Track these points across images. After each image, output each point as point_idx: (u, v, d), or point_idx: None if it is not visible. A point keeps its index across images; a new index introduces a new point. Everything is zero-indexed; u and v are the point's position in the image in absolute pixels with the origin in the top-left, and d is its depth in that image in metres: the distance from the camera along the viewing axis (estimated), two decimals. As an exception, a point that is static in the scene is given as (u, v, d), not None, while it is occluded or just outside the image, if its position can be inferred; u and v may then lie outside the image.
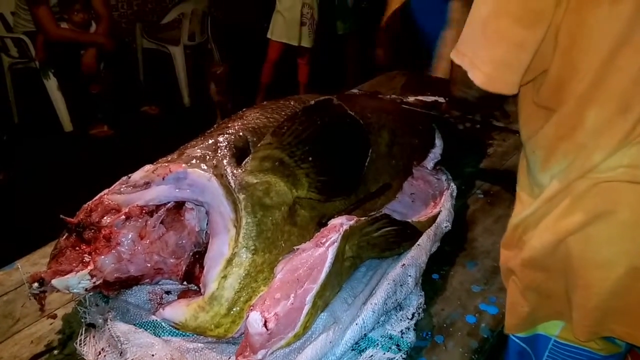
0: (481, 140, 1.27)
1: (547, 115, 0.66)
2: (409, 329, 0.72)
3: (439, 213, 0.93)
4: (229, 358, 0.71)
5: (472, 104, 0.71)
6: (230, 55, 3.83)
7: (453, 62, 0.69)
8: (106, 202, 0.81)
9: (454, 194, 1.00)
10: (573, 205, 0.63)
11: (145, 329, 0.76)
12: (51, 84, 2.83)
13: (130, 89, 3.27)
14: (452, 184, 1.03)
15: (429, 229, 0.86)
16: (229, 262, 0.73)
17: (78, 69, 2.73)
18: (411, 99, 1.35)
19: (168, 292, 0.85)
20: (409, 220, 0.88)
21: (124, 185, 0.82)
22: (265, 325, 0.66)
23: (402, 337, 0.71)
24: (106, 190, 0.83)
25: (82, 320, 0.78)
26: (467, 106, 0.87)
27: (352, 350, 0.70)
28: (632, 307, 0.62)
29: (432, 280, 0.84)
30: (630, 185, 0.59)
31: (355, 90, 1.58)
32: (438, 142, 1.13)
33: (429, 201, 1.00)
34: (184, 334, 0.76)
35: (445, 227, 0.90)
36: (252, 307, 0.69)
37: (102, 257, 0.77)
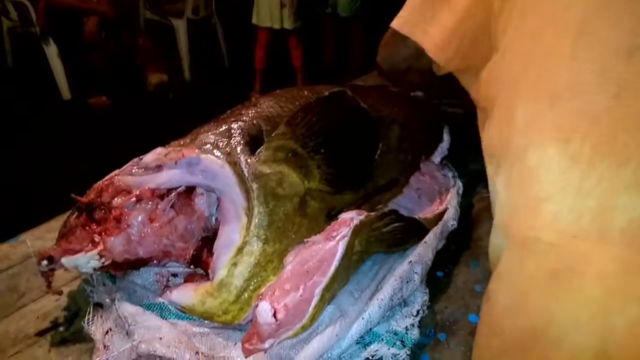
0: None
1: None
2: (413, 325, 0.73)
3: (445, 210, 0.94)
4: (235, 344, 0.73)
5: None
6: (234, 31, 3.78)
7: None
8: (117, 183, 0.80)
9: (460, 191, 1.01)
10: (530, 261, 0.53)
11: (152, 311, 0.77)
12: (51, 50, 2.80)
13: (131, 60, 3.24)
14: (459, 180, 1.04)
15: (435, 227, 0.87)
16: (240, 250, 0.73)
17: (79, 37, 2.70)
18: (419, 93, 1.34)
19: (175, 275, 0.86)
20: (416, 217, 0.89)
21: (135, 167, 0.82)
22: (274, 315, 0.67)
23: (406, 334, 0.72)
24: (117, 171, 0.83)
25: (90, 299, 0.79)
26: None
27: (357, 343, 0.72)
28: None
29: (437, 278, 0.86)
30: (599, 248, 0.48)
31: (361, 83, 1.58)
32: (446, 137, 1.14)
33: (435, 197, 1.01)
34: (190, 317, 0.77)
35: (452, 225, 0.91)
36: (261, 297, 0.69)
37: (112, 238, 0.77)
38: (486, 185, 1.12)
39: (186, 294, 0.76)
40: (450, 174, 1.07)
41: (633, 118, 0.48)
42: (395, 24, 0.72)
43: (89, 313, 0.76)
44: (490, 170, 0.63)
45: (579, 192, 0.49)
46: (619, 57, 0.48)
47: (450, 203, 0.95)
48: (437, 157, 1.11)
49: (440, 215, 0.92)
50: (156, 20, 3.42)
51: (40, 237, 0.94)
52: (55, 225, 0.98)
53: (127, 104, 3.09)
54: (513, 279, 0.55)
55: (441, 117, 1.19)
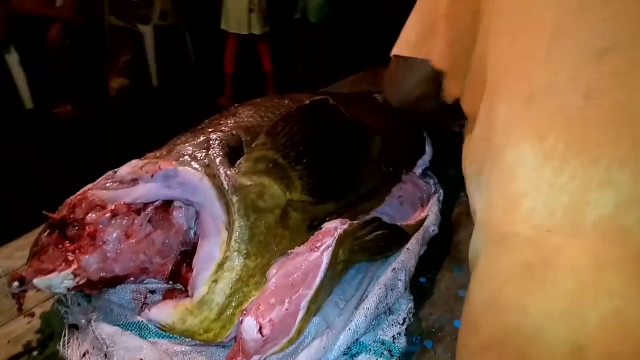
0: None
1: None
2: (400, 334, 0.73)
3: (426, 217, 0.94)
4: (219, 362, 0.71)
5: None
6: (203, 36, 3.74)
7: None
8: (91, 198, 0.77)
9: (441, 197, 1.02)
10: (506, 256, 0.53)
11: (131, 331, 0.74)
12: (12, 58, 2.70)
13: (97, 68, 3.16)
14: (440, 188, 1.04)
15: (417, 233, 0.88)
16: (220, 266, 0.72)
17: (42, 44, 2.61)
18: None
19: (153, 292, 0.83)
20: (398, 224, 0.89)
21: (109, 181, 0.79)
22: (260, 331, 0.65)
23: (394, 343, 0.72)
24: (90, 185, 0.80)
25: (64, 320, 0.75)
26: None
27: (344, 355, 0.71)
28: None
29: (420, 284, 0.86)
30: (572, 242, 0.49)
31: (339, 88, 1.58)
32: (428, 149, 1.15)
33: (417, 205, 1.01)
34: (171, 336, 0.75)
35: (433, 230, 0.91)
36: (245, 313, 0.68)
37: (87, 256, 0.74)
38: (464, 191, 1.14)
39: (166, 312, 0.73)
40: (432, 181, 1.07)
41: (604, 117, 0.49)
42: (399, 50, 0.72)
43: (65, 336, 0.72)
44: (470, 173, 0.64)
45: (552, 188, 0.50)
46: (590, 59, 0.50)
47: (432, 210, 0.95)
48: (418, 169, 1.12)
49: (422, 221, 0.93)
50: (122, 27, 3.34)
51: (10, 257, 0.90)
52: (24, 243, 0.94)
53: (93, 113, 3.00)
54: (489, 275, 0.56)
55: (423, 128, 1.20)
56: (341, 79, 1.82)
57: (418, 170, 1.12)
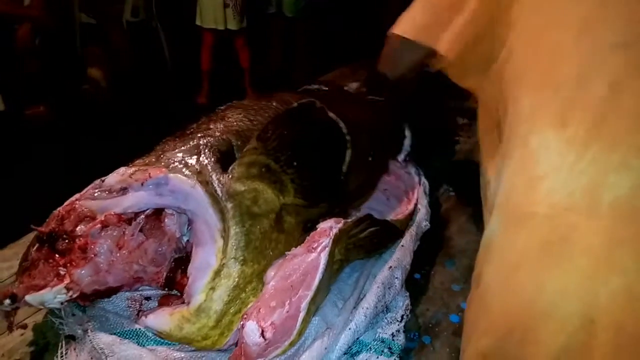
0: (450, 136, 1.31)
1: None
2: (399, 331, 0.74)
3: (414, 210, 0.95)
4: (220, 367, 0.71)
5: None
6: (178, 33, 3.66)
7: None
8: (79, 209, 0.76)
9: (427, 189, 1.03)
10: (524, 234, 0.56)
11: (129, 339, 0.73)
12: (-20, 60, 2.60)
13: (69, 68, 3.06)
14: (423, 178, 1.06)
15: (411, 229, 0.89)
16: (217, 273, 0.71)
17: (11, 44, 2.52)
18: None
19: (148, 298, 0.82)
20: (388, 219, 0.90)
21: (97, 190, 0.77)
22: (262, 335, 0.65)
23: (393, 340, 0.73)
24: (77, 195, 0.78)
25: (60, 331, 0.74)
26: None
27: (345, 354, 0.72)
28: None
29: (415, 280, 0.87)
30: (588, 221, 0.52)
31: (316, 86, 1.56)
32: (408, 134, 1.16)
33: (403, 197, 1.02)
34: (169, 342, 0.74)
35: (425, 225, 0.92)
36: (246, 317, 0.68)
37: (79, 269, 0.73)
38: (452, 184, 1.16)
39: (162, 319, 0.73)
40: (413, 171, 1.09)
41: (624, 106, 0.53)
42: (402, 31, 0.76)
43: (61, 347, 0.71)
44: (487, 159, 0.68)
45: (572, 170, 0.54)
46: (613, 52, 0.54)
47: (421, 203, 0.97)
48: (401, 155, 1.13)
49: (410, 214, 0.94)
50: (93, 24, 3.26)
51: (-5, 268, 0.88)
52: (9, 253, 0.92)
53: (67, 114, 2.92)
54: (505, 255, 0.58)
55: (401, 116, 1.21)
56: (318, 73, 1.81)
57: (401, 157, 1.13)
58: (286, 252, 0.75)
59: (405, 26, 0.78)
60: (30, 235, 0.86)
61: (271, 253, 0.75)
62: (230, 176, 0.75)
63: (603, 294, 0.51)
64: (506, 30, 0.64)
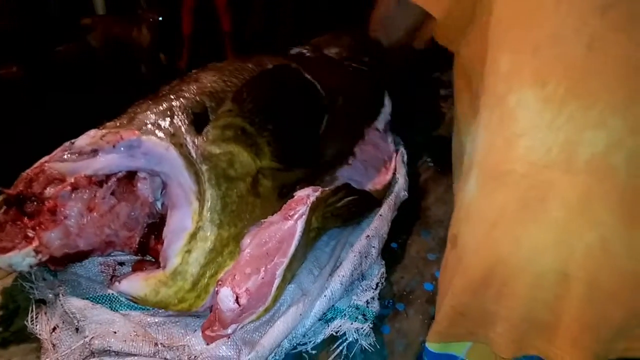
0: (431, 107, 1.30)
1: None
2: (373, 298, 0.74)
3: (392, 180, 0.95)
4: (195, 331, 0.70)
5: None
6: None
7: None
8: (48, 171, 0.73)
9: (405, 159, 1.02)
10: (502, 192, 0.56)
11: (101, 304, 0.73)
12: (-54, 16, 2.47)
13: (42, 27, 2.94)
14: (402, 148, 1.05)
15: (389, 199, 0.88)
16: (193, 236, 0.70)
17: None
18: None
19: (121, 264, 0.81)
20: (366, 189, 0.90)
21: (67, 152, 0.75)
22: (237, 301, 0.65)
23: (367, 307, 0.73)
24: (46, 158, 0.75)
25: (30, 296, 0.73)
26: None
27: (320, 320, 0.72)
28: (562, 322, 0.55)
29: (391, 249, 0.88)
30: (565, 177, 0.53)
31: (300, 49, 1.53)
32: (387, 101, 1.14)
33: (381, 166, 1.02)
34: (142, 307, 0.74)
35: (403, 195, 0.92)
36: (221, 283, 0.67)
37: (48, 232, 0.71)
38: (431, 154, 1.15)
39: (137, 284, 0.72)
40: (390, 139, 1.08)
41: (603, 67, 0.53)
42: None
43: (32, 311, 0.70)
44: (465, 120, 0.67)
45: (550, 127, 0.54)
46: (595, 13, 0.53)
47: (399, 172, 0.96)
48: (380, 123, 1.12)
49: (388, 184, 0.93)
50: (67, -18, 3.12)
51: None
52: (-24, 219, 0.88)
53: (41, 75, 2.82)
54: (483, 213, 0.59)
55: (381, 83, 1.19)
56: (302, 38, 1.77)
57: (380, 125, 1.12)
58: (262, 220, 0.74)
59: None
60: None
61: (248, 217, 0.74)
62: (204, 138, 0.73)
63: (578, 248, 0.52)
64: None
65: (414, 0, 0.69)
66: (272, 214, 0.75)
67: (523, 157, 0.55)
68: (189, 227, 0.70)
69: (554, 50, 0.55)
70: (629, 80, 0.52)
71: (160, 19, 2.95)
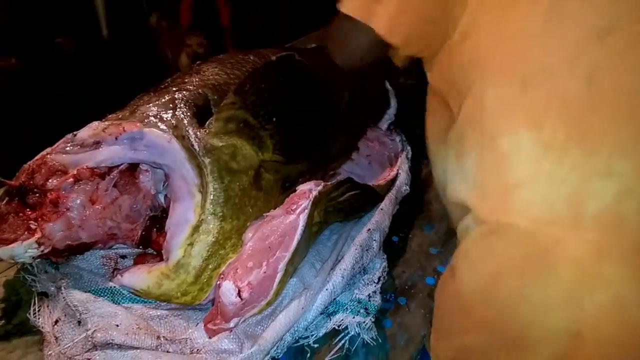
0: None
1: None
2: (375, 292, 0.75)
3: (396, 176, 0.95)
4: (197, 325, 0.70)
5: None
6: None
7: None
8: (50, 163, 0.73)
9: (409, 155, 1.02)
10: (503, 245, 0.52)
11: (103, 297, 0.73)
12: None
13: (40, 17, 2.92)
14: (407, 145, 1.05)
15: (390, 193, 0.88)
16: (196, 229, 0.70)
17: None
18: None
19: (123, 257, 0.81)
20: (369, 184, 0.90)
21: (69, 144, 0.74)
22: (239, 294, 0.65)
23: (369, 301, 0.73)
24: (48, 149, 0.75)
25: (32, 288, 0.73)
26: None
27: (321, 314, 0.72)
28: None
29: (392, 243, 0.88)
30: (572, 234, 0.48)
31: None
32: (393, 102, 1.14)
33: (386, 163, 1.02)
34: (145, 300, 0.74)
35: (405, 190, 0.92)
36: (223, 276, 0.67)
37: (51, 223, 0.71)
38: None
39: (139, 277, 0.72)
40: (398, 139, 1.08)
41: (606, 103, 0.47)
42: (344, 6, 0.63)
43: (34, 304, 0.70)
44: (448, 150, 0.61)
45: (552, 178, 0.49)
46: (592, 39, 0.47)
47: (402, 168, 0.96)
48: (384, 123, 1.12)
49: (392, 180, 0.93)
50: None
51: (-37, 225, 0.85)
52: (-23, 211, 0.88)
53: (39, 66, 2.81)
54: (484, 263, 0.55)
55: (386, 81, 1.19)
56: (302, 33, 1.76)
57: (384, 125, 1.12)
58: (264, 214, 0.74)
59: (348, 1, 0.64)
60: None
61: (250, 210, 0.74)
62: (207, 131, 0.73)
63: (589, 306, 0.48)
64: (461, 4, 0.56)
65: (373, 26, 0.61)
66: (275, 208, 0.75)
67: (524, 212, 0.50)
68: (191, 220, 0.70)
69: (547, 86, 0.49)
70: (636, 116, 0.47)
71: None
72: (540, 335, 0.50)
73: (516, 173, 0.51)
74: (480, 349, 0.55)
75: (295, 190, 0.76)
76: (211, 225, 0.70)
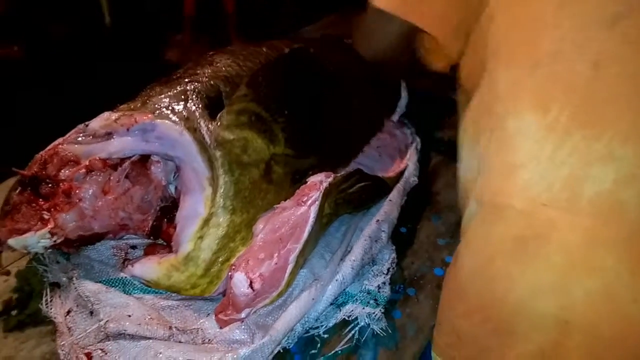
0: (442, 93, 1.29)
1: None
2: (384, 283, 0.75)
3: (406, 167, 0.95)
4: (207, 315, 0.71)
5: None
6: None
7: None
8: (62, 153, 0.73)
9: (419, 147, 1.02)
10: (499, 226, 0.53)
11: (114, 287, 0.73)
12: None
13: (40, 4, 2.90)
14: (416, 137, 1.05)
15: (398, 184, 0.89)
16: (206, 222, 0.70)
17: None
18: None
19: (134, 247, 0.82)
20: (379, 175, 0.90)
21: (81, 135, 0.75)
22: (251, 285, 0.66)
23: (379, 292, 0.74)
24: (60, 140, 0.75)
25: (44, 279, 0.73)
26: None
27: (332, 304, 0.73)
28: None
29: (401, 234, 0.88)
30: (566, 217, 0.49)
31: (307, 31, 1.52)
32: (404, 93, 1.14)
33: (396, 155, 1.02)
34: (156, 291, 0.74)
35: (413, 181, 0.92)
36: (234, 268, 0.68)
37: (63, 214, 0.71)
38: (440, 140, 1.15)
39: (150, 268, 0.72)
40: (408, 131, 1.08)
41: (611, 89, 0.48)
42: (381, 3, 0.63)
43: (46, 294, 0.71)
44: (465, 139, 0.63)
45: (552, 160, 0.49)
46: (601, 26, 0.48)
47: (411, 159, 0.96)
48: (396, 115, 1.11)
49: (402, 173, 0.94)
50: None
51: (-25, 215, 0.85)
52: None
53: (43, 53, 2.79)
54: (480, 244, 0.56)
55: (398, 74, 1.18)
56: (305, 21, 1.74)
57: (395, 116, 1.12)
58: (275, 205, 0.74)
59: None
60: (10, 181, 0.84)
61: (260, 203, 0.74)
62: (218, 123, 0.73)
63: (578, 294, 0.48)
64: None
65: (415, 22, 0.61)
66: (285, 200, 0.75)
67: (522, 192, 0.51)
68: (202, 213, 0.71)
69: (555, 70, 0.50)
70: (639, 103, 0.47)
71: None
72: (530, 321, 0.51)
73: (519, 153, 0.51)
74: (472, 334, 0.56)
75: (305, 182, 0.77)
76: (221, 219, 0.70)
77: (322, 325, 0.71)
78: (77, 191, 0.73)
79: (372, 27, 0.74)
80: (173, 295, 0.74)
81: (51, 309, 0.70)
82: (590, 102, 0.48)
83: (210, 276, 0.71)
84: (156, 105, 0.75)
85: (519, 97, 0.52)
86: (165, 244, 0.80)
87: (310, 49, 0.84)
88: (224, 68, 0.84)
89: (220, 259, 0.71)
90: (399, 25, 0.66)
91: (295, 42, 0.94)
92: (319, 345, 0.70)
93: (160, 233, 0.80)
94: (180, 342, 0.67)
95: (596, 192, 0.48)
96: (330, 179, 0.76)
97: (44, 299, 0.70)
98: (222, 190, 0.71)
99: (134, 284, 0.75)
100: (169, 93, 0.78)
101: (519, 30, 0.53)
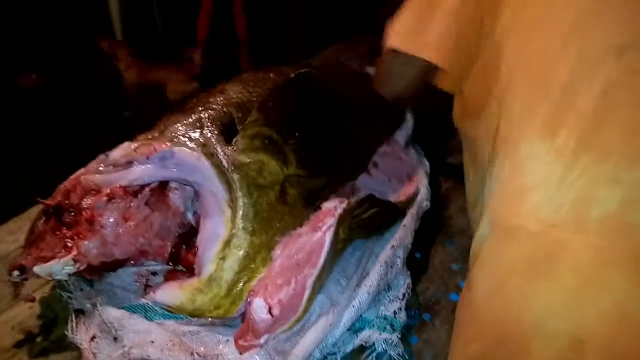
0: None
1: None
2: (400, 309, 0.76)
3: (417, 191, 0.96)
4: (227, 341, 0.72)
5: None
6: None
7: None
8: (84, 183, 0.76)
9: (428, 171, 1.04)
10: (512, 247, 0.55)
11: (137, 313, 0.75)
12: (-31, 25, 2.52)
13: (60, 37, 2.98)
14: (425, 160, 1.07)
15: (412, 208, 0.90)
16: (227, 243, 0.72)
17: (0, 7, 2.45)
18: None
19: (154, 273, 0.83)
20: (391, 200, 0.91)
21: (102, 165, 0.78)
22: (270, 311, 0.67)
23: (395, 317, 0.75)
24: (82, 170, 0.78)
25: (69, 305, 0.75)
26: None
27: (349, 330, 0.73)
28: None
29: (415, 259, 0.89)
30: (575, 237, 0.51)
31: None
32: (409, 116, 1.16)
33: (405, 178, 1.03)
34: (176, 316, 0.76)
35: (425, 205, 0.93)
36: (253, 293, 0.69)
37: (86, 241, 0.73)
38: (450, 166, 1.16)
39: (172, 293, 0.74)
40: (416, 155, 1.09)
41: (618, 115, 0.50)
42: (393, 42, 0.68)
43: (72, 320, 0.72)
44: (477, 165, 0.65)
45: (561, 183, 0.52)
46: (609, 56, 0.51)
47: (421, 183, 0.98)
48: (401, 138, 1.13)
49: (413, 196, 0.95)
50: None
51: (1, 240, 0.88)
52: (14, 226, 0.92)
53: (61, 82, 2.86)
54: (494, 265, 0.57)
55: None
56: (314, 47, 1.78)
57: (401, 140, 1.13)
58: (292, 231, 0.76)
59: (394, 37, 0.69)
60: (34, 209, 0.87)
61: (277, 225, 0.75)
62: (234, 148, 0.75)
63: (591, 313, 0.50)
64: (490, 24, 0.60)
65: (414, 52, 0.66)
66: (300, 222, 0.77)
67: (532, 214, 0.53)
68: (222, 234, 0.72)
69: (565, 98, 0.53)
70: None
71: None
72: (545, 341, 0.51)
73: (530, 177, 0.54)
74: (486, 357, 0.56)
75: (320, 208, 0.78)
76: (242, 240, 0.72)
77: (339, 351, 0.72)
78: (99, 218, 0.75)
79: (391, 69, 0.77)
80: (193, 320, 0.75)
81: (76, 335, 0.71)
82: (597, 128, 0.51)
83: (233, 296, 0.72)
84: (173, 134, 0.78)
85: (531, 124, 0.55)
86: (185, 269, 0.82)
87: (315, 73, 0.86)
88: (235, 95, 0.87)
89: (242, 280, 0.72)
90: (414, 62, 0.70)
91: (300, 67, 0.97)
92: (336, 370, 0.71)
93: (179, 259, 0.82)
94: (200, 367, 0.68)
95: (603, 212, 0.50)
96: (344, 205, 0.77)
97: (69, 325, 0.71)
98: (241, 212, 0.73)
99: (156, 310, 0.76)
100: (185, 122, 0.81)
101: (531, 61, 0.56)
